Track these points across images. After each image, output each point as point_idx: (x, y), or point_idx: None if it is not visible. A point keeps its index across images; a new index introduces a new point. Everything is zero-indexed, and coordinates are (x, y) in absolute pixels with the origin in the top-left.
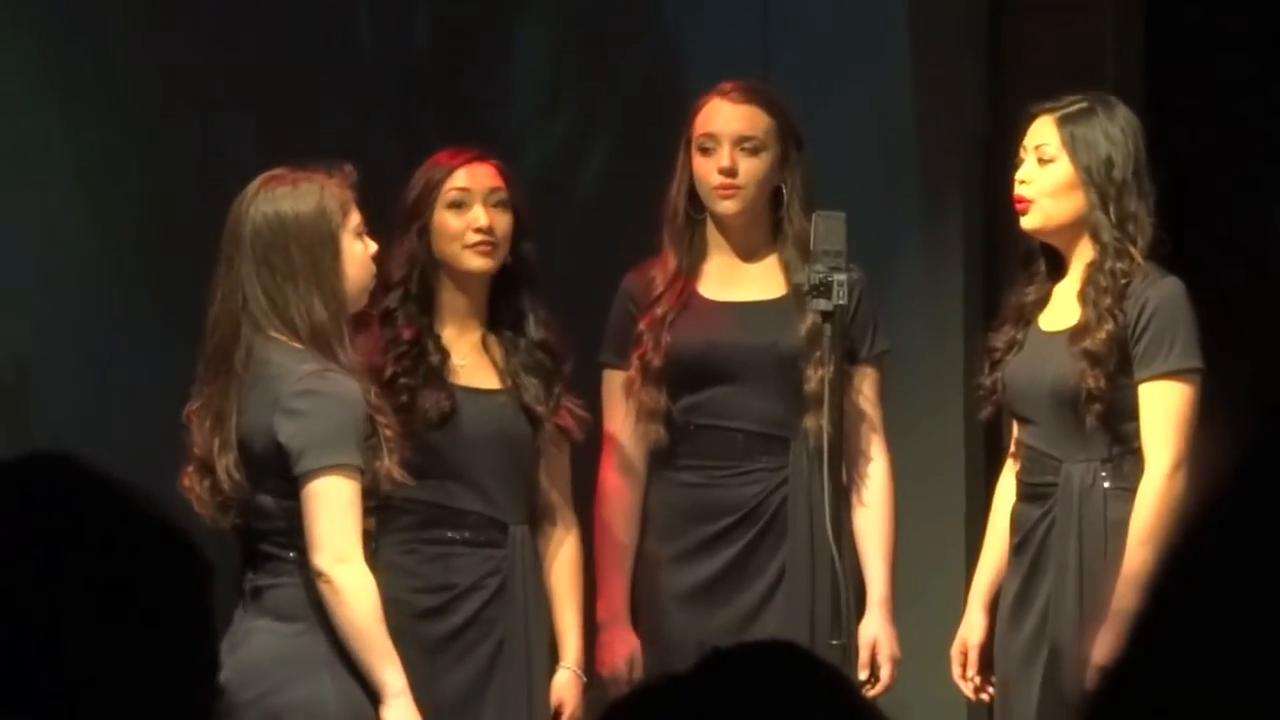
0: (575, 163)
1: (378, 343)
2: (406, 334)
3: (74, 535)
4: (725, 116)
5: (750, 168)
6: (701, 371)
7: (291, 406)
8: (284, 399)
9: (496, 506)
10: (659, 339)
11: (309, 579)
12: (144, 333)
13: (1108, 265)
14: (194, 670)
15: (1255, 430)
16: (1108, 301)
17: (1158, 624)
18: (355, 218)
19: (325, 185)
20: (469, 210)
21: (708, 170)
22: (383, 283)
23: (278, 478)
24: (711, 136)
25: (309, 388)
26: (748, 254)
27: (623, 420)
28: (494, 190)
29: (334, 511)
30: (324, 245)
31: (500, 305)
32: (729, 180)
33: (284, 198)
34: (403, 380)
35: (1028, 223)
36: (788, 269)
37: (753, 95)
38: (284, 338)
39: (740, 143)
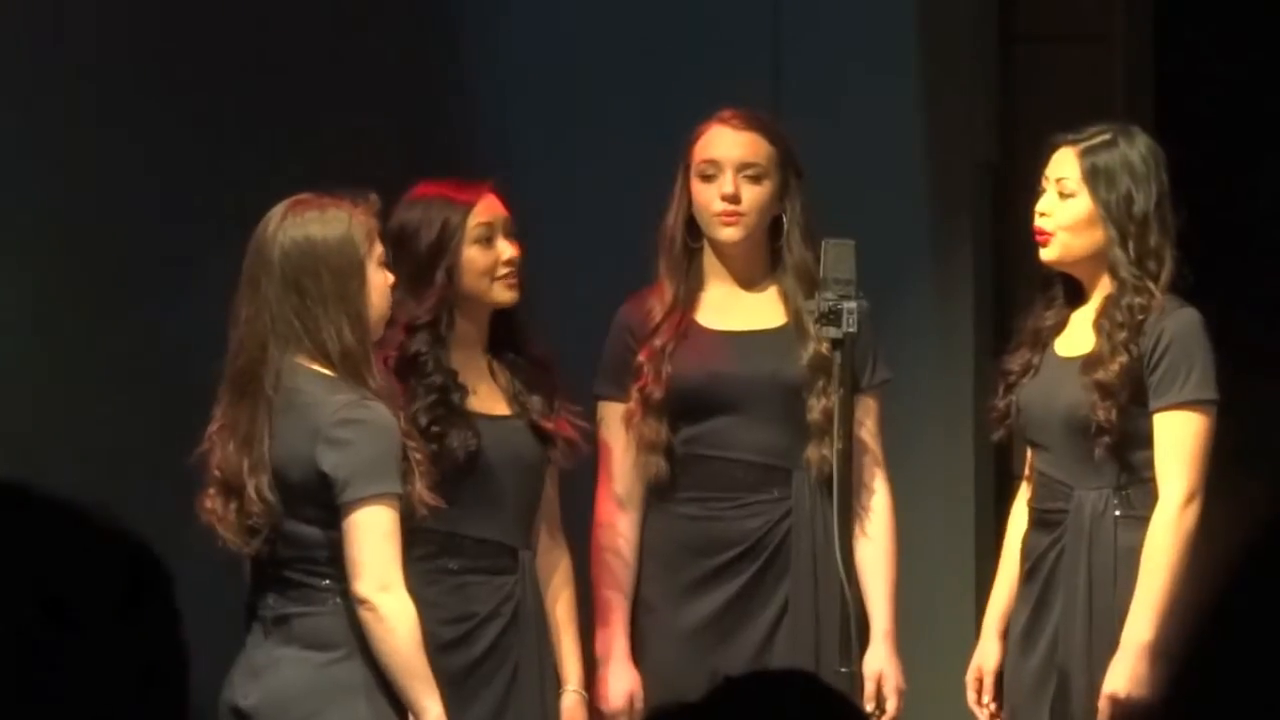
0: (581, 188)
1: (399, 385)
2: (438, 380)
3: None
4: (728, 143)
5: (752, 195)
6: (702, 402)
7: (335, 436)
8: (325, 428)
9: (508, 533)
10: (659, 370)
11: (348, 606)
12: (133, 364)
13: (1124, 301)
14: (157, 675)
15: None
16: (1123, 335)
17: (1196, 671)
18: (379, 248)
19: (352, 213)
20: (495, 244)
21: (709, 197)
22: (404, 323)
23: (317, 506)
24: (713, 163)
25: (351, 417)
26: (747, 283)
27: (621, 452)
28: (507, 220)
29: (377, 539)
30: (352, 272)
31: (499, 328)
32: (732, 207)
33: (313, 222)
34: (435, 428)
35: (1046, 255)
36: (787, 298)
37: (754, 123)
38: (315, 364)
39: (743, 169)
